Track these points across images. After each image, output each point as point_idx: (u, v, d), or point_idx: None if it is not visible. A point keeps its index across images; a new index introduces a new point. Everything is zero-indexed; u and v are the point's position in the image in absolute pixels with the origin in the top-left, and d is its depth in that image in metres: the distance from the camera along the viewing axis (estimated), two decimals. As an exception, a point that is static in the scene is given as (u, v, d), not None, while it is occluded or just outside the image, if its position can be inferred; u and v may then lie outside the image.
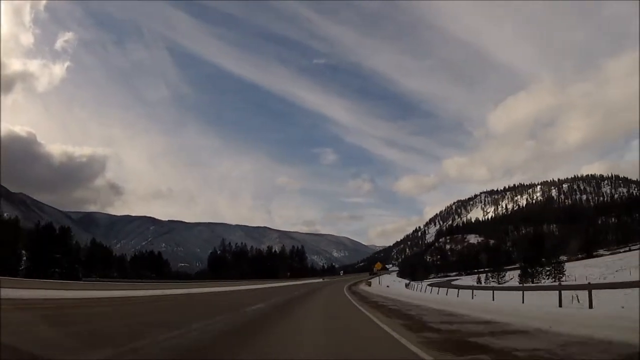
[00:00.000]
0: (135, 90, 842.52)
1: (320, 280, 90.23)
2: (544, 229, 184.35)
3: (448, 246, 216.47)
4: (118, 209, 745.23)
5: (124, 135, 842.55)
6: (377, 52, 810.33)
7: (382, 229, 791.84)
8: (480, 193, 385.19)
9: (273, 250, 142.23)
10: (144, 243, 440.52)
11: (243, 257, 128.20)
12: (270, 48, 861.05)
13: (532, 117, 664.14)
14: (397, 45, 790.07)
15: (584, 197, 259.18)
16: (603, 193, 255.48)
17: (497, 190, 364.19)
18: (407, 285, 63.59)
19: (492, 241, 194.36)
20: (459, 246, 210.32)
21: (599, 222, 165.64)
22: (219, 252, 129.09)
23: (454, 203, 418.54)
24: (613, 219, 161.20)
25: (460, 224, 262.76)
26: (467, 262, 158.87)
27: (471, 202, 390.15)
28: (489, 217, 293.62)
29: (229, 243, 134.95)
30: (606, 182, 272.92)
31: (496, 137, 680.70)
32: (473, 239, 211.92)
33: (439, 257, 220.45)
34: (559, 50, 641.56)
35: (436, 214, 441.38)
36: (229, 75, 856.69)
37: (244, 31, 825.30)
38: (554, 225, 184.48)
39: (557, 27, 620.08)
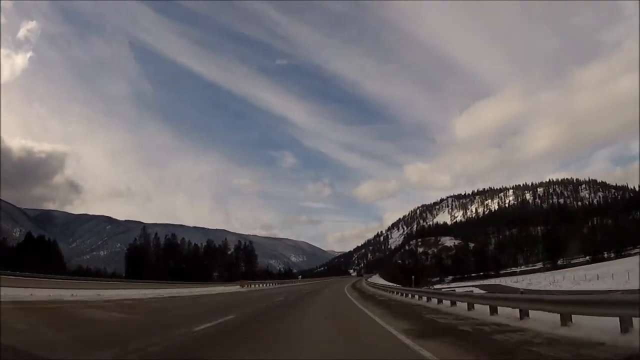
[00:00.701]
0: (96, 86, 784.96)
1: (233, 289, 49.64)
2: (531, 231, 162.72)
3: (420, 249, 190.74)
4: (76, 208, 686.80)
5: (83, 132, 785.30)
6: (340, 55, 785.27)
7: (341, 235, 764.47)
8: (447, 197, 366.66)
9: (213, 245, 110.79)
10: (99, 243, 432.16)
11: (172, 252, 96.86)
12: (232, 47, 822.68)
13: (498, 125, 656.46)
14: (361, 48, 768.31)
15: (562, 200, 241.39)
16: (581, 197, 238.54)
17: (465, 194, 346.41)
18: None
19: (471, 244, 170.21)
20: (432, 249, 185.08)
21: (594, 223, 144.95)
22: (138, 242, 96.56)
23: (419, 207, 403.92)
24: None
25: (433, 226, 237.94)
26: (455, 265, 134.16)
27: (437, 207, 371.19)
28: (458, 220, 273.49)
29: (156, 234, 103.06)
30: (583, 186, 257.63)
31: (460, 143, 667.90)
32: (448, 241, 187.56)
33: (409, 261, 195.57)
34: (528, 58, 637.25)
35: (399, 219, 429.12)
36: (189, 73, 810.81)
37: (206, 28, 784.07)
38: (542, 227, 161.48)
39: (526, 35, 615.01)
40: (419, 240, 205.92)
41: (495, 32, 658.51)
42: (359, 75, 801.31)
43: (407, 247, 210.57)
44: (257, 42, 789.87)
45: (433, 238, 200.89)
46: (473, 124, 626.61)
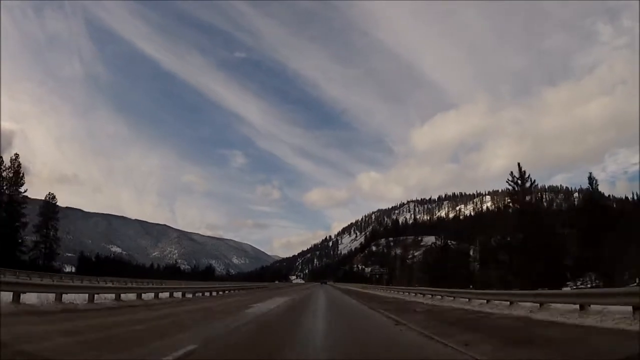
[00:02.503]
0: (49, 65, 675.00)
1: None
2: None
3: (395, 251, 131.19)
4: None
5: (33, 112, 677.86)
6: (303, 54, 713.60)
7: (288, 241, 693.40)
8: (408, 201, 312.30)
9: None
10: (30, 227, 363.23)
11: None
12: (191, 35, 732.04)
13: (459, 140, 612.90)
14: (326, 49, 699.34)
15: (554, 207, 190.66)
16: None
17: (431, 199, 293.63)
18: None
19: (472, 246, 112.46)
20: (413, 251, 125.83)
21: None
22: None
23: (374, 212, 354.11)
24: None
25: (409, 223, 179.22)
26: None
27: (396, 211, 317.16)
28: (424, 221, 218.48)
29: None
30: (576, 194, 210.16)
31: (418, 156, 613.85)
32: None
33: (374, 266, 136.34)
34: (495, 76, 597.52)
35: (351, 223, 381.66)
36: (145, 59, 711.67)
37: (166, 12, 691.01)
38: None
39: (495, 52, 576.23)
40: (391, 239, 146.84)
41: (464, 45, 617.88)
42: (320, 77, 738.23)
43: (373, 249, 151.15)
44: (217, 31, 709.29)
45: (411, 238, 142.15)
46: (433, 136, 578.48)
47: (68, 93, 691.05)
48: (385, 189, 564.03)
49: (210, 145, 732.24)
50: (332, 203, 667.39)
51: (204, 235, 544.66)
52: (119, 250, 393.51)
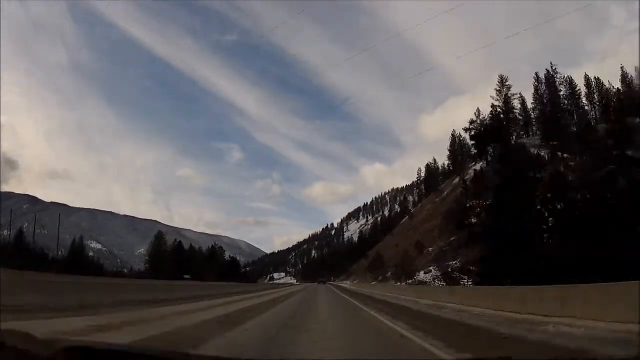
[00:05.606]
0: (34, 52, 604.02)
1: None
2: None
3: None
4: (13, 186, 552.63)
5: (22, 105, 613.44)
6: (304, 36, 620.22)
7: (288, 239, 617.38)
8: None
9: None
10: (9, 222, 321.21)
11: None
12: (184, 16, 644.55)
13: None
14: (329, 30, 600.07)
15: None
16: None
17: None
18: None
19: None
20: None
21: None
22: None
23: (387, 193, 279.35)
24: None
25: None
26: None
27: (417, 190, 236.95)
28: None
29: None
30: None
31: (426, 145, 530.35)
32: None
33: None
34: (508, 58, 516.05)
35: (359, 207, 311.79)
36: (135, 44, 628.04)
37: None
38: None
39: (508, 34, 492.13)
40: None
41: (477, 29, 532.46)
42: (322, 63, 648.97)
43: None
44: (211, 11, 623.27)
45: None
46: (444, 124, 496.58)
47: (56, 83, 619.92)
48: (392, 182, 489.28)
49: (206, 139, 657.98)
50: (335, 199, 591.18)
51: (196, 232, 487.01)
52: (99, 246, 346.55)
